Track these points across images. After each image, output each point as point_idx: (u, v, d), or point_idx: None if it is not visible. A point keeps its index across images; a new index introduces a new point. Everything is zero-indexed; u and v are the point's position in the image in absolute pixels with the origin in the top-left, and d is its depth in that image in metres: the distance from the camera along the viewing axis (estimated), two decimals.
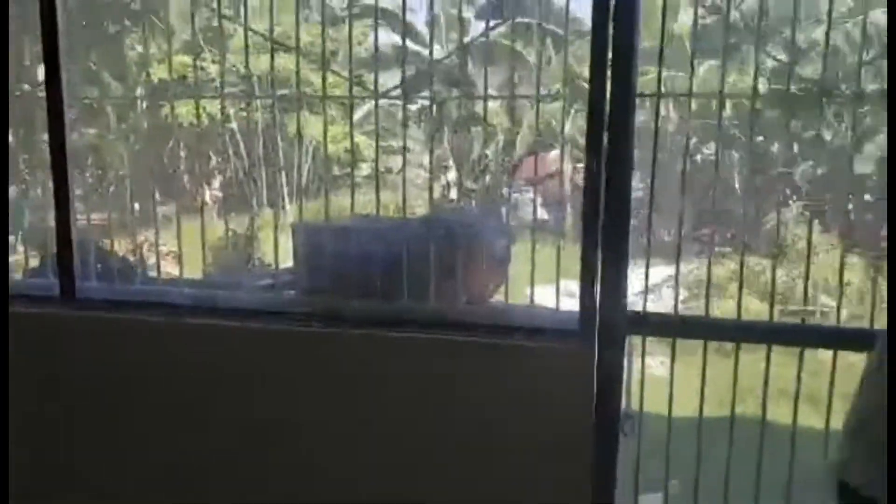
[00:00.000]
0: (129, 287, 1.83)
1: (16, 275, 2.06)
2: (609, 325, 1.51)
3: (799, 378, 1.55)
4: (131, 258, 2.03)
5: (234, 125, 3.46)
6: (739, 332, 1.60)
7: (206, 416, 1.72)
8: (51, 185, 1.76)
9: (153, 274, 1.98)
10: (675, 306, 1.57)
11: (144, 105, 2.85)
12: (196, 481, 1.72)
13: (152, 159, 3.20)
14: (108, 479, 1.78)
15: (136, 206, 2.35)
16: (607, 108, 1.47)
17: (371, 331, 1.61)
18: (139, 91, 3.00)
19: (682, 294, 2.00)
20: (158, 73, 3.41)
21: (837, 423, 1.44)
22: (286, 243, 1.79)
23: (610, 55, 1.46)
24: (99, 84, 2.77)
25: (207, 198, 3.36)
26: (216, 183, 3.66)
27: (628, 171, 1.48)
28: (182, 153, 3.14)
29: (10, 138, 1.96)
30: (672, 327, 1.55)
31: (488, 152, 2.40)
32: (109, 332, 1.71)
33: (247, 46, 1.82)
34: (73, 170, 1.80)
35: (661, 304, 1.79)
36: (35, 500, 1.76)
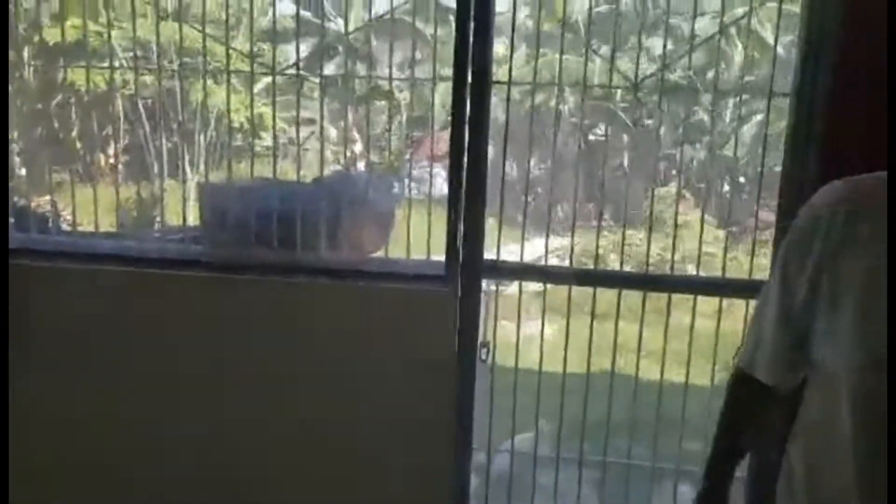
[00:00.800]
0: (47, 238, 2.03)
1: None
2: (469, 270, 1.87)
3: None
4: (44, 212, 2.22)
5: (134, 93, 3.50)
6: (584, 279, 2.01)
7: (120, 357, 1.97)
8: None
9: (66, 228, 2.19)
10: (521, 255, 1.95)
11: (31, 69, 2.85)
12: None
13: (44, 123, 3.26)
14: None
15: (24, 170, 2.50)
16: (468, 91, 1.80)
17: (267, 277, 1.91)
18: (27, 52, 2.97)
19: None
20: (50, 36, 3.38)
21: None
22: (189, 207, 2.05)
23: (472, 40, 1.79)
24: None
25: (103, 164, 3.47)
26: (112, 150, 3.71)
27: (484, 144, 1.84)
28: (75, 118, 3.21)
29: None
30: (519, 272, 1.93)
31: (391, 127, 2.64)
32: (30, 280, 1.92)
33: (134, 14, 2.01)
34: None
35: None
36: None
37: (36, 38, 2.45)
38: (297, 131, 1.94)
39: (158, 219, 2.60)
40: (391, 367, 1.91)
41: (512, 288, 2.31)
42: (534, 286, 2.13)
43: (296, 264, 1.93)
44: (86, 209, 2.27)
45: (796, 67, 1.71)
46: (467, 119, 1.82)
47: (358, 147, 3.40)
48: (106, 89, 3.23)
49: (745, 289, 1.87)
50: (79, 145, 3.21)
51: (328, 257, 1.95)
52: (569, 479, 2.28)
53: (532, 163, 2.89)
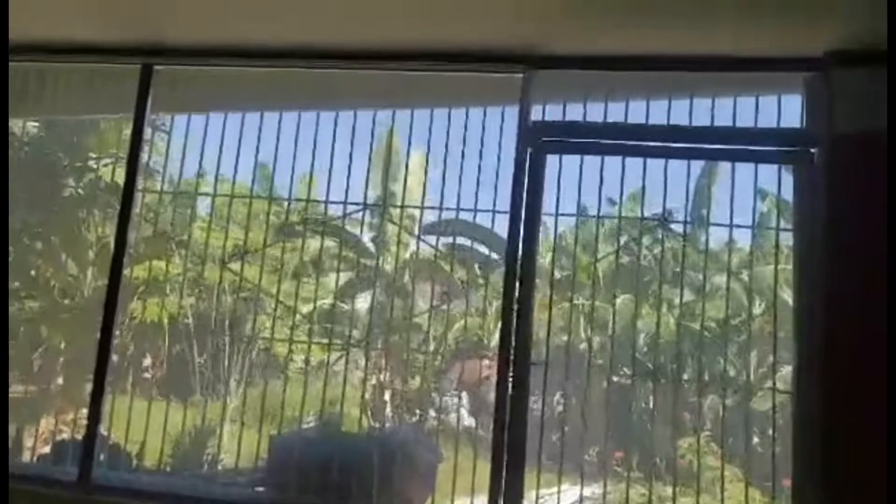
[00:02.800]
0: (131, 476, 2.36)
1: None
2: None
3: None
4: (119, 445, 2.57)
5: (189, 321, 4.00)
6: None
7: None
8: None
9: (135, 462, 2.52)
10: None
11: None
12: None
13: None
14: None
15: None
16: (510, 368, 2.20)
17: None
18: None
19: None
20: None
21: None
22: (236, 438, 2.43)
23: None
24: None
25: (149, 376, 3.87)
26: (152, 366, 4.12)
27: (525, 411, 2.19)
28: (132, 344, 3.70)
29: None
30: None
31: (420, 356, 3.02)
32: None
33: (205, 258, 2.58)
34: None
35: None
36: None
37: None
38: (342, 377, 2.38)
39: (210, 453, 2.91)
40: None
41: None
42: None
43: None
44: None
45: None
46: (509, 392, 2.20)
47: (384, 375, 3.77)
48: (165, 319, 3.78)
49: None
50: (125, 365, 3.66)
51: None
52: None
53: (561, 403, 3.23)
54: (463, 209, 2.43)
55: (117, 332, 2.49)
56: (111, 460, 2.42)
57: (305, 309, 3.69)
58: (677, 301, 3.42)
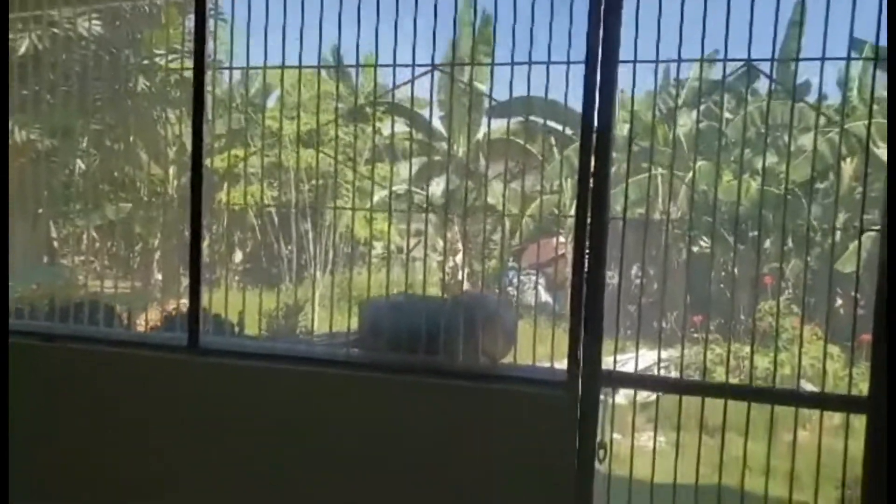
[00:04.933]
0: (238, 340, 2.72)
1: None
2: (588, 379, 2.33)
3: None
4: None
5: (272, 211, 4.20)
6: (691, 389, 2.40)
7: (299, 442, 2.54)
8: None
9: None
10: (635, 367, 2.39)
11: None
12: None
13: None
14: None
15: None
16: (588, 227, 2.33)
17: (414, 377, 2.46)
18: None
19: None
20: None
21: None
22: (327, 313, 2.69)
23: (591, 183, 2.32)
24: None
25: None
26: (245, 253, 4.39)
27: (603, 267, 2.33)
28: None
29: None
30: (633, 382, 2.36)
31: (495, 237, 3.13)
32: (227, 376, 2.57)
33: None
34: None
35: None
36: None
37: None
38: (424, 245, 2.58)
39: (304, 324, 3.21)
40: (516, 464, 2.35)
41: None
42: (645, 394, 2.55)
43: (439, 367, 2.47)
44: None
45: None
46: (588, 242, 2.32)
47: (460, 257, 3.94)
48: (251, 211, 4.02)
49: (846, 403, 2.20)
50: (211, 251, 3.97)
51: (465, 363, 2.48)
52: None
53: (640, 274, 3.34)
54: (535, 62, 2.43)
55: (206, 223, 2.76)
56: (215, 329, 2.79)
57: (381, 195, 3.81)
58: (759, 165, 3.37)
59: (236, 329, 2.91)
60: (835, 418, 2.61)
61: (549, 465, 2.31)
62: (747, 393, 2.35)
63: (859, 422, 2.22)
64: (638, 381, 2.36)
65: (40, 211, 3.26)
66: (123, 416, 2.73)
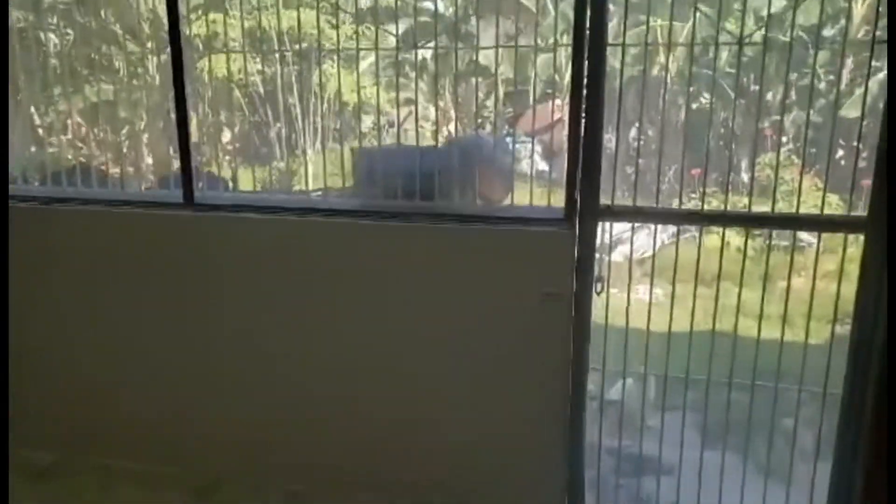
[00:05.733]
0: (232, 195, 2.73)
1: None
2: (585, 213, 2.34)
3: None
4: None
5: (255, 78, 4.02)
6: (687, 218, 2.42)
7: (295, 286, 2.62)
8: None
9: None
10: (634, 200, 2.39)
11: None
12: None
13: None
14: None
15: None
16: (586, 57, 2.25)
17: (412, 223, 2.48)
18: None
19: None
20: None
21: None
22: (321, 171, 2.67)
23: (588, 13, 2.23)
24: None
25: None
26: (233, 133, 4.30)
27: (601, 105, 2.28)
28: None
29: None
30: (629, 214, 2.37)
31: (489, 103, 3.02)
32: (223, 229, 2.60)
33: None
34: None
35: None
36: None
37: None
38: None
39: (298, 187, 3.16)
40: (516, 298, 2.42)
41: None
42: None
43: (435, 211, 2.48)
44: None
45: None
46: (585, 78, 2.26)
47: (452, 126, 3.83)
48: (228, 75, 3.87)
49: (844, 223, 2.21)
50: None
51: (462, 206, 2.49)
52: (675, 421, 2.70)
53: (638, 136, 3.28)
54: None
55: (191, 103, 2.68)
56: (210, 185, 2.78)
57: (369, 61, 3.64)
58: (764, 13, 3.19)
59: (230, 186, 2.90)
60: (829, 263, 2.63)
61: (548, 299, 2.37)
62: (747, 220, 2.37)
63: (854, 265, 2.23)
64: (636, 213, 2.37)
65: (20, 98, 3.15)
66: (122, 272, 2.79)
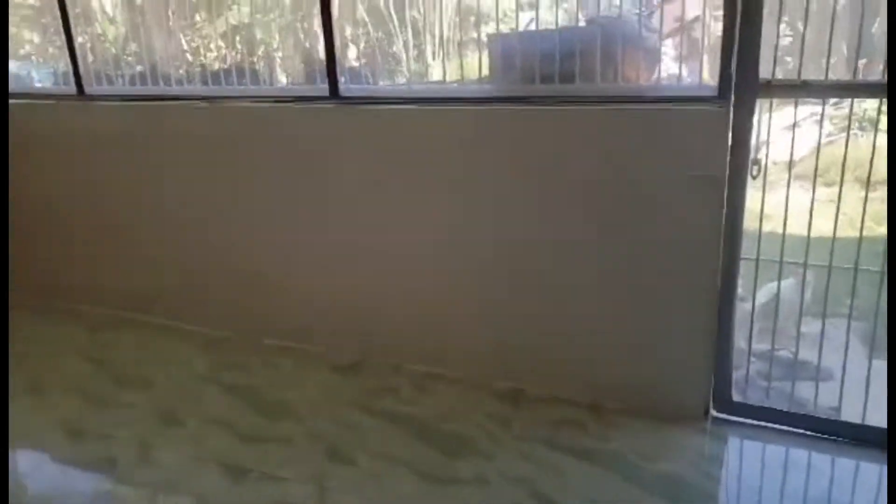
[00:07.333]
0: (374, 87, 2.80)
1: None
2: (742, 88, 2.16)
3: None
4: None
5: None
6: (855, 90, 2.15)
7: (438, 173, 2.69)
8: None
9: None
10: (799, 74, 2.15)
11: None
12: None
13: None
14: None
15: None
16: None
17: (552, 107, 2.40)
18: None
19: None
20: None
21: None
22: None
23: None
24: None
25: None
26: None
27: None
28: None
29: None
30: (793, 90, 2.15)
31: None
32: (368, 120, 2.70)
33: None
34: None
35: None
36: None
37: None
38: None
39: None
40: (666, 182, 2.30)
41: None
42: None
43: (576, 94, 2.39)
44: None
45: None
46: None
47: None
48: None
49: None
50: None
51: (605, 87, 2.38)
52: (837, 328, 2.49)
53: None
54: None
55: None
56: (352, 80, 2.86)
57: None
58: None
59: (371, 82, 2.96)
60: None
61: (699, 182, 2.24)
62: None
63: None
64: (801, 88, 2.14)
65: (171, 24, 3.35)
66: (274, 163, 3.00)
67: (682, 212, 2.31)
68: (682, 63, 2.32)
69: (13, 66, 3.81)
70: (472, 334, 2.83)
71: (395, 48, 3.20)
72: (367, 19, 3.08)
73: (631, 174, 2.35)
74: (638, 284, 2.48)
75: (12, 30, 3.85)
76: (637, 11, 2.41)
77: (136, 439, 2.58)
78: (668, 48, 2.44)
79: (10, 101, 3.51)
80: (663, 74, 2.37)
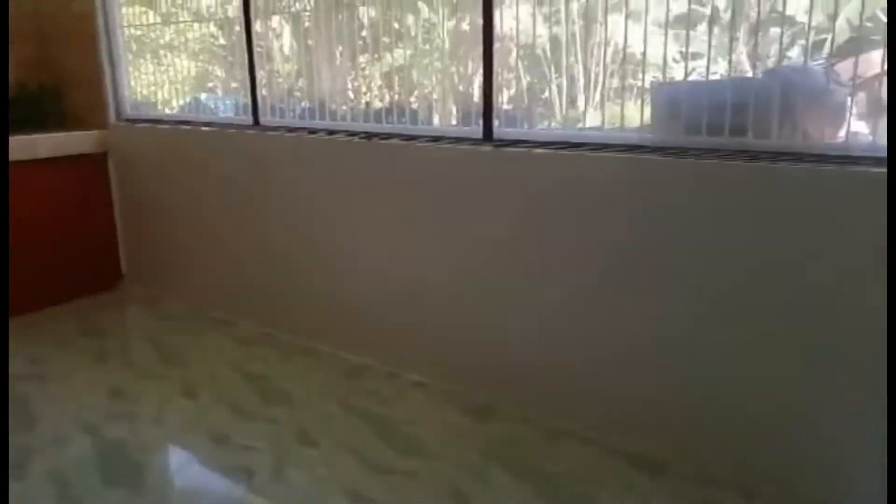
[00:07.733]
0: (526, 131, 2.82)
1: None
2: None
3: None
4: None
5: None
6: None
7: (599, 231, 2.60)
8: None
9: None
10: None
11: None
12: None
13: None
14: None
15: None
16: None
17: (720, 161, 2.26)
18: None
19: None
20: None
21: None
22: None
23: None
24: None
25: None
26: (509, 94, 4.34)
27: None
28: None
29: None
30: None
31: (790, 54, 2.56)
32: (520, 161, 2.72)
33: None
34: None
35: None
36: None
37: None
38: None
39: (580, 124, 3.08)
40: (842, 253, 2.08)
41: None
42: None
43: (748, 148, 2.24)
44: None
45: None
46: None
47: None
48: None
49: None
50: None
51: (782, 143, 2.20)
52: None
53: None
54: None
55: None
56: (507, 122, 2.90)
57: (657, 11, 3.39)
58: None
59: (525, 123, 2.96)
60: None
61: (860, 254, 2.00)
62: None
63: None
64: None
65: (338, 62, 3.57)
66: (423, 202, 3.11)
67: (864, 284, 2.07)
68: (868, 120, 2.10)
69: (203, 96, 4.25)
70: (611, 391, 2.70)
71: (547, 93, 3.19)
72: (521, 64, 3.10)
73: (807, 238, 2.15)
74: (799, 366, 2.24)
75: (205, 66, 4.30)
76: (821, 62, 2.23)
77: (273, 454, 2.69)
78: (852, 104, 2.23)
79: (202, 128, 3.93)
80: (851, 131, 2.16)
